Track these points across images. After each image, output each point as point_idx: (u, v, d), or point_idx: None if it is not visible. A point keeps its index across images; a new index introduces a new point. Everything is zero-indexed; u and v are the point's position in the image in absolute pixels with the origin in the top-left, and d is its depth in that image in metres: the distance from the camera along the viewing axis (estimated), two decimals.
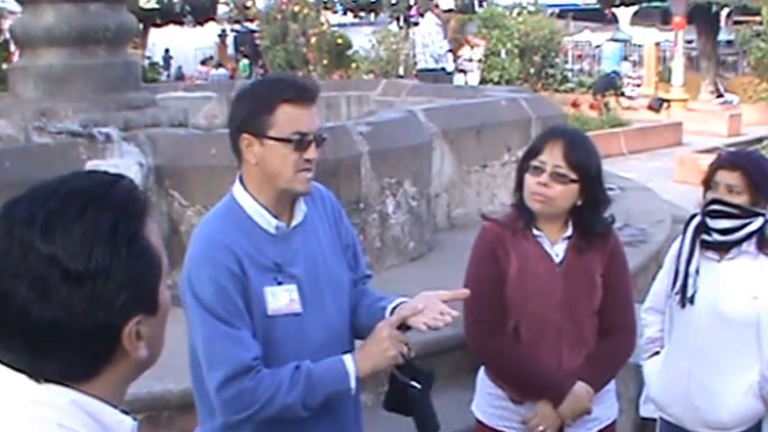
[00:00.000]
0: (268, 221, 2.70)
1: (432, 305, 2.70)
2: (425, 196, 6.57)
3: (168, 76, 32.83)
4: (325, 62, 24.01)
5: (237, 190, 2.76)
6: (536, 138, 3.43)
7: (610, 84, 23.75)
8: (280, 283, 2.67)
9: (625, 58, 27.75)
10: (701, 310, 3.55)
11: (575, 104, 21.08)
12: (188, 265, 2.67)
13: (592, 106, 21.51)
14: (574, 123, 17.60)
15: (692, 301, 3.56)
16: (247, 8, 32.36)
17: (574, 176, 3.23)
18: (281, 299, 2.67)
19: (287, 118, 2.61)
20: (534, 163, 3.28)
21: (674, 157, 15.75)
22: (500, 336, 3.36)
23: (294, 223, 2.75)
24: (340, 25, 29.23)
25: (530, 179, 3.28)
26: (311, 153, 2.65)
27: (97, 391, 1.43)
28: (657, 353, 3.82)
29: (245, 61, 35.52)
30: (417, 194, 6.37)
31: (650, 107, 22.86)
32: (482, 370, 3.56)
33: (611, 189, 8.74)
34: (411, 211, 6.31)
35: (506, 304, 3.34)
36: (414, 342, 4.79)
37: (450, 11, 14.64)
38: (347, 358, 2.66)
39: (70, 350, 1.39)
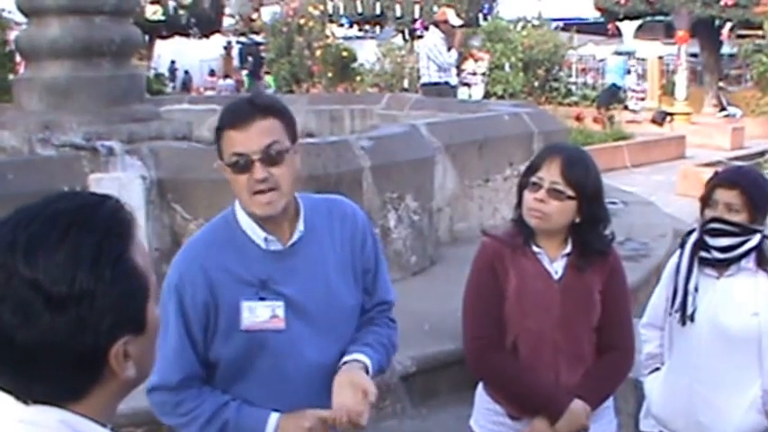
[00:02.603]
0: (258, 236, 2.71)
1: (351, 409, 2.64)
2: (427, 210, 6.58)
3: (174, 87, 32.90)
4: (329, 75, 24.05)
5: (237, 202, 2.77)
6: (536, 154, 3.44)
7: (613, 96, 23.75)
8: (262, 299, 2.67)
9: (629, 72, 27.72)
10: (701, 327, 3.56)
11: (578, 118, 21.07)
12: (169, 268, 2.76)
13: (595, 120, 21.50)
14: (577, 137, 17.65)
15: (692, 318, 3.57)
16: (253, 21, 32.46)
17: (571, 193, 3.23)
18: (259, 314, 2.67)
19: (226, 142, 2.61)
20: (533, 179, 3.29)
21: (677, 170, 15.72)
22: (498, 352, 3.36)
23: (292, 241, 2.75)
24: (345, 38, 29.25)
25: (528, 195, 3.29)
26: (257, 173, 2.58)
27: (86, 411, 1.43)
28: (658, 369, 3.83)
29: (244, 74, 35.61)
30: (419, 209, 6.39)
31: (653, 120, 22.83)
32: (480, 385, 3.56)
33: (613, 203, 8.87)
34: (413, 226, 6.32)
35: (505, 320, 3.34)
36: (414, 357, 4.85)
37: (459, 26, 14.65)
38: (272, 419, 2.65)
39: (57, 372, 1.39)
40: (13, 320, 1.34)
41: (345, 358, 2.78)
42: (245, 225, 2.72)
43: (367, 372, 2.76)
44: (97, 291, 1.36)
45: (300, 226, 2.75)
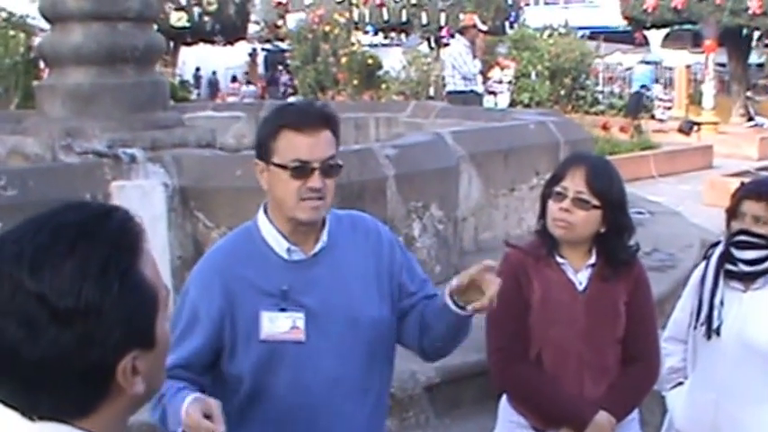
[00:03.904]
0: (281, 246, 2.67)
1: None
2: (452, 220, 6.52)
3: (198, 94, 33.04)
4: (355, 82, 24.09)
5: (260, 214, 2.75)
6: (559, 164, 3.39)
7: (639, 102, 23.64)
8: (282, 310, 2.64)
9: (656, 81, 27.60)
10: (727, 341, 3.49)
11: (605, 127, 20.95)
12: (189, 276, 2.78)
13: (622, 129, 21.38)
14: (604, 146, 17.55)
15: (717, 332, 3.49)
16: (278, 27, 32.55)
17: (596, 203, 3.21)
18: (279, 325, 2.64)
19: (287, 144, 2.58)
20: (557, 189, 3.27)
21: (704, 180, 15.61)
22: (522, 363, 3.34)
23: (314, 251, 2.70)
24: (371, 45, 29.32)
25: (552, 205, 3.27)
26: (315, 182, 2.57)
27: (94, 427, 1.39)
28: (681, 383, 3.75)
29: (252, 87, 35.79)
30: (444, 218, 6.33)
31: (680, 130, 22.69)
32: (504, 397, 3.53)
33: (639, 213, 8.78)
34: (437, 235, 6.26)
35: (529, 332, 3.31)
36: (438, 367, 4.78)
37: (484, 32, 14.62)
38: (187, 402, 2.44)
39: (63, 387, 1.35)
40: (19, 334, 1.30)
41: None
42: (267, 236, 2.70)
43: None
44: (104, 305, 1.32)
45: (324, 236, 2.73)
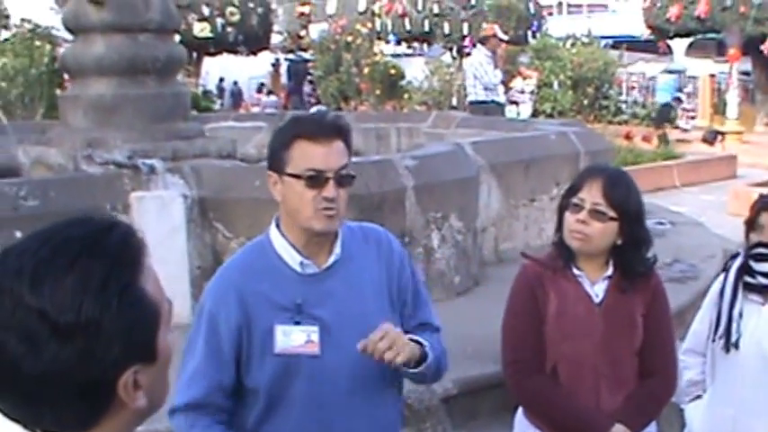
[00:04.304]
0: (294, 259, 2.67)
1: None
2: (472, 230, 6.51)
3: (222, 104, 33.13)
4: (377, 92, 24.10)
5: (273, 227, 2.75)
6: (576, 176, 3.38)
7: (669, 113, 23.57)
8: (297, 323, 2.64)
9: (679, 90, 27.49)
10: (746, 355, 3.45)
11: (628, 137, 20.87)
12: (203, 293, 2.76)
13: (645, 138, 21.29)
14: (627, 156, 17.48)
15: (736, 345, 3.46)
16: (301, 38, 32.63)
17: (613, 214, 3.19)
18: (294, 339, 2.64)
19: (301, 154, 2.59)
20: (573, 200, 3.25)
21: (727, 190, 15.52)
22: (538, 375, 3.31)
23: (327, 264, 2.70)
24: (393, 55, 29.35)
25: (569, 217, 3.25)
26: (330, 191, 2.58)
27: None
28: (699, 396, 3.72)
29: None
30: (463, 228, 6.32)
31: (704, 139, 22.59)
32: (520, 410, 3.51)
33: (661, 223, 8.74)
34: (457, 246, 6.25)
35: (545, 344, 3.29)
36: (455, 379, 4.77)
37: (504, 41, 14.62)
38: None
39: (65, 401, 1.35)
40: (20, 349, 1.30)
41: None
42: (280, 249, 2.70)
43: (424, 357, 2.71)
44: (104, 320, 1.32)
45: (337, 249, 2.73)
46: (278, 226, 2.73)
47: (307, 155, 2.58)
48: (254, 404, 2.71)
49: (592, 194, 3.20)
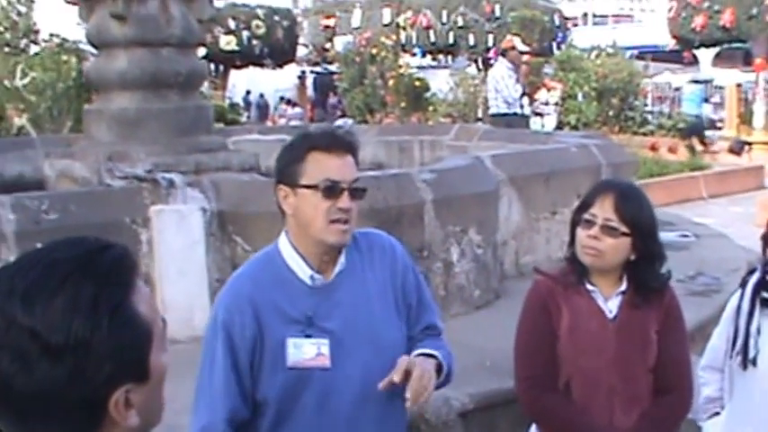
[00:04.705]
0: (304, 272, 2.68)
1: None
2: (491, 244, 6.49)
3: (249, 117, 33.28)
4: (403, 105, 24.08)
5: (281, 239, 2.78)
6: (588, 191, 3.37)
7: (700, 125, 23.46)
8: (308, 336, 2.66)
9: (706, 100, 27.33)
10: (764, 372, 3.41)
11: (653, 148, 20.77)
12: (214, 305, 2.78)
13: (671, 149, 21.18)
14: (653, 167, 17.40)
15: (754, 362, 3.42)
16: (326, 50, 32.72)
17: (625, 230, 3.18)
18: (306, 351, 2.66)
19: (317, 165, 2.62)
20: (586, 216, 3.24)
21: (755, 201, 15.41)
22: (551, 392, 3.30)
23: (333, 275, 2.71)
24: (418, 68, 29.36)
25: (581, 232, 3.24)
26: (344, 202, 2.61)
27: None
28: (717, 413, 3.68)
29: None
30: (483, 242, 6.30)
31: (731, 150, 22.44)
32: (534, 427, 3.50)
33: (685, 236, 8.69)
34: (476, 259, 6.24)
35: (558, 360, 3.28)
36: (472, 393, 4.76)
37: (525, 53, 14.59)
38: None
39: (57, 419, 1.38)
40: (12, 368, 1.33)
41: (417, 351, 2.78)
42: (290, 261, 2.72)
43: (440, 370, 2.77)
44: (94, 340, 1.35)
45: (342, 259, 2.75)
46: (287, 239, 2.75)
47: (322, 166, 2.62)
48: (263, 416, 2.72)
49: (603, 210, 3.19)
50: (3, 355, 1.33)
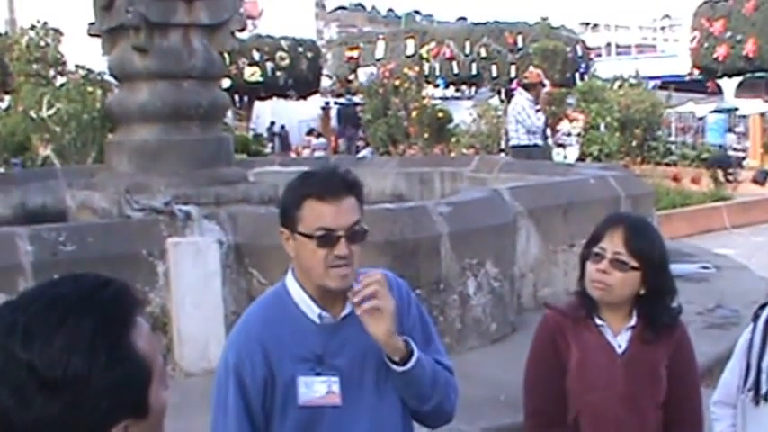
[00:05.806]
0: (313, 311, 2.69)
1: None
2: (508, 277, 6.49)
3: (273, 148, 33.42)
4: (426, 136, 24.11)
5: (289, 277, 2.78)
6: (598, 224, 3.36)
7: (725, 156, 23.36)
8: (318, 374, 2.65)
9: (730, 130, 27.22)
10: None
11: (675, 179, 20.68)
12: (225, 345, 2.79)
13: (693, 180, 21.08)
14: (675, 198, 17.33)
15: (766, 398, 3.39)
16: (349, 82, 32.90)
17: (634, 264, 3.16)
18: (316, 390, 2.65)
19: (311, 213, 2.60)
20: (595, 250, 3.23)
21: None
22: (559, 427, 3.28)
23: (343, 314, 2.72)
24: (441, 99, 29.44)
25: (590, 266, 3.23)
26: (341, 250, 2.59)
27: None
28: None
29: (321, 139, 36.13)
30: (500, 275, 6.30)
31: (755, 180, 22.31)
32: None
33: (705, 267, 8.64)
34: (493, 292, 6.24)
35: (566, 395, 3.26)
36: (486, 428, 4.74)
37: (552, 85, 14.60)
38: None
39: None
40: (10, 401, 1.36)
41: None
42: (298, 300, 2.72)
43: (411, 354, 2.69)
44: (92, 375, 1.37)
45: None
46: (294, 277, 2.76)
47: (316, 214, 2.59)
48: None
49: (613, 244, 3.18)
50: (1, 388, 1.36)
